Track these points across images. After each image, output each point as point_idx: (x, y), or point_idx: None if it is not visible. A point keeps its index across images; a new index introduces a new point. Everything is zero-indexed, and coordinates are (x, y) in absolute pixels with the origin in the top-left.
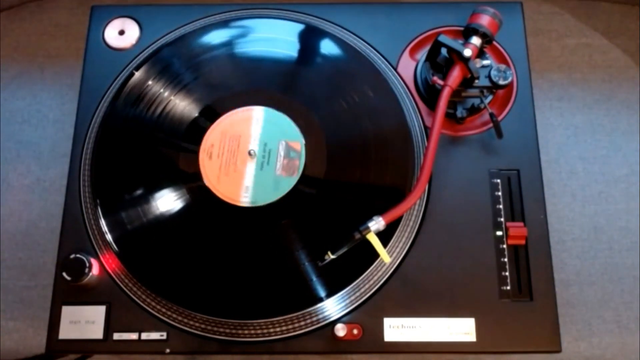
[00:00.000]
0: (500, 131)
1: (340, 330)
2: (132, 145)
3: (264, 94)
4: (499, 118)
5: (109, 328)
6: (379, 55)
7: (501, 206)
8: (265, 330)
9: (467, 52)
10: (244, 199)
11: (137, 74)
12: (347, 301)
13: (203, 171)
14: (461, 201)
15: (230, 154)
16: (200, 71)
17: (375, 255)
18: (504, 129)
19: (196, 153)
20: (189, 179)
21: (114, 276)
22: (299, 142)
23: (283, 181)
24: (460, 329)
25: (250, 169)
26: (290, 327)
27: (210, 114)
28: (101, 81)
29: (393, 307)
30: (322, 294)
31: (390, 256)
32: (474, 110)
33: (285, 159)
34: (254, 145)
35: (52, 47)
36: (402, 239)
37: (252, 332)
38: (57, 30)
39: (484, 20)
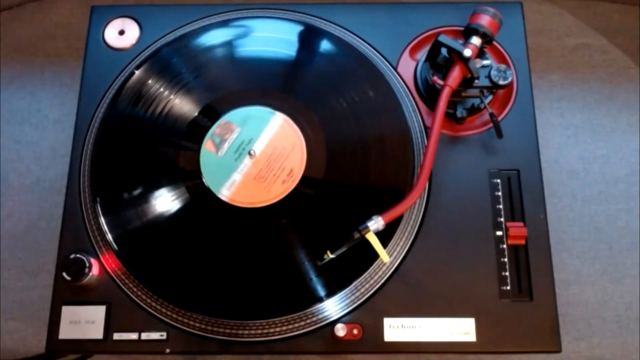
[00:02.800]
0: (500, 131)
1: (340, 330)
2: (132, 145)
3: (264, 94)
4: (499, 118)
5: (109, 328)
6: (379, 55)
7: (501, 206)
8: (265, 330)
9: (467, 52)
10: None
11: (137, 74)
12: (347, 301)
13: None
14: (461, 201)
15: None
16: (200, 71)
17: (375, 255)
18: (504, 129)
19: (196, 152)
20: (188, 178)
21: (114, 276)
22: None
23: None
24: (460, 329)
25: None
26: (290, 327)
27: (210, 113)
28: (101, 81)
29: (393, 307)
30: (322, 294)
31: (390, 256)
32: (474, 110)
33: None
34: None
35: (52, 47)
36: (402, 239)
37: (252, 332)
38: (57, 30)
39: (484, 20)
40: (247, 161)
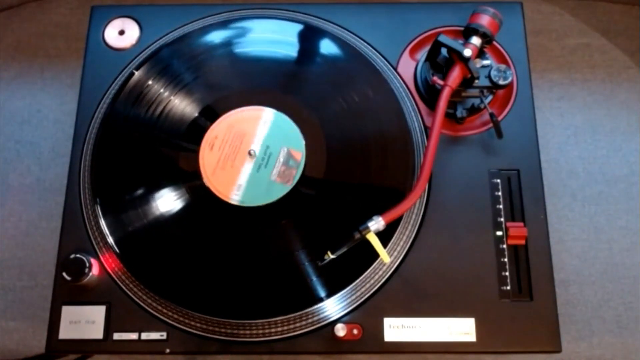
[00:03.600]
0: (500, 131)
1: (340, 330)
2: (132, 145)
3: (264, 94)
4: (499, 118)
5: (109, 328)
6: (379, 55)
7: (501, 206)
8: (265, 330)
9: (467, 52)
10: (235, 197)
11: (137, 74)
12: (347, 301)
13: (201, 161)
14: (461, 201)
15: (232, 150)
16: (200, 71)
17: (375, 255)
18: (504, 129)
19: (196, 153)
20: (188, 178)
21: (114, 276)
22: (301, 153)
23: (276, 187)
24: (460, 329)
25: (247, 168)
26: (290, 327)
27: (210, 114)
28: (101, 81)
29: (393, 307)
30: (322, 294)
31: (390, 256)
32: (474, 110)
33: (283, 166)
34: (256, 146)
35: (52, 47)
36: (402, 239)
37: (252, 332)
38: (57, 30)
39: (484, 20)
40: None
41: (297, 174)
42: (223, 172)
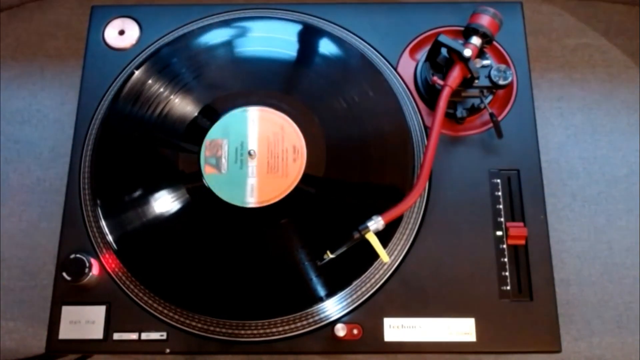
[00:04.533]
0: (500, 131)
1: (340, 330)
2: (132, 145)
3: (264, 94)
4: (499, 118)
5: (109, 328)
6: (379, 55)
7: (501, 206)
8: (265, 330)
9: (467, 52)
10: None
11: (137, 74)
12: (347, 301)
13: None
14: (461, 201)
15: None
16: (200, 71)
17: (375, 255)
18: (504, 129)
19: (196, 153)
20: (188, 179)
21: (114, 276)
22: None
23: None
24: (460, 329)
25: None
26: (290, 327)
27: (210, 113)
28: (101, 81)
29: (393, 307)
30: (322, 294)
31: (390, 256)
32: (474, 110)
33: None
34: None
35: (52, 47)
36: (402, 239)
37: (252, 332)
38: (57, 30)
39: (484, 20)
40: (251, 163)
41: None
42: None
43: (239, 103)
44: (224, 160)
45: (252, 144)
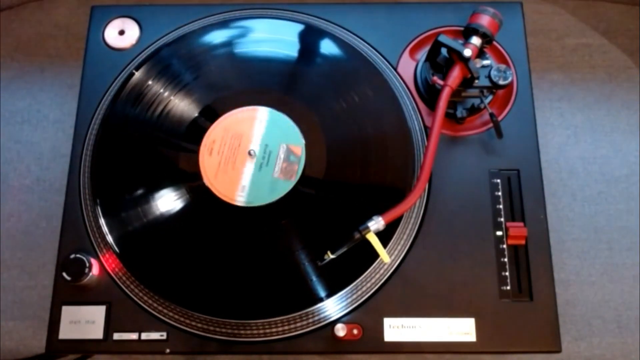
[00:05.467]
0: (500, 131)
1: (340, 330)
2: (132, 145)
3: (264, 94)
4: (499, 118)
5: (109, 328)
6: (379, 55)
7: (501, 206)
8: (265, 330)
9: (467, 52)
10: (240, 198)
11: (137, 74)
12: (347, 301)
13: (202, 166)
14: (461, 201)
15: (231, 152)
16: (200, 71)
17: (375, 255)
18: (504, 129)
19: (196, 153)
20: (188, 179)
21: (114, 276)
22: (300, 147)
23: (280, 184)
24: (460, 329)
25: (249, 168)
26: (290, 327)
27: (210, 114)
28: (101, 81)
29: (393, 307)
30: (322, 294)
31: (390, 256)
32: (474, 110)
33: (284, 162)
34: (255, 146)
35: (52, 47)
36: (402, 239)
37: (252, 332)
38: (57, 30)
39: (484, 20)
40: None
41: (299, 169)
42: (225, 174)
43: (239, 103)
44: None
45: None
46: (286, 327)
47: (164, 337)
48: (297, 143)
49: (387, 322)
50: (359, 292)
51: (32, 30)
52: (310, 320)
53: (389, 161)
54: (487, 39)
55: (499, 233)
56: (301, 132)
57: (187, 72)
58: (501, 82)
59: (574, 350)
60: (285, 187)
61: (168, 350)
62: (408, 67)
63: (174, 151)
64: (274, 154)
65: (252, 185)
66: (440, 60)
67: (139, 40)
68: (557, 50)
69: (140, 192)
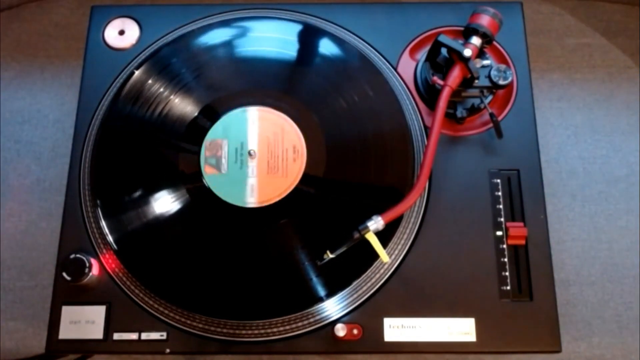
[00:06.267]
0: (500, 131)
1: (340, 330)
2: (132, 146)
3: (264, 94)
4: (499, 118)
5: (109, 328)
6: (379, 55)
7: (501, 206)
8: (265, 330)
9: (467, 52)
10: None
11: (137, 74)
12: (347, 301)
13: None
14: (461, 201)
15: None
16: (200, 71)
17: (375, 255)
18: (504, 129)
19: (196, 153)
20: (188, 179)
21: (114, 276)
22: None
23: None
24: (460, 329)
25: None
26: (290, 327)
27: (210, 113)
28: (101, 81)
29: (393, 307)
30: (322, 294)
31: (390, 256)
32: (474, 110)
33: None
34: (253, 145)
35: (52, 47)
36: (402, 239)
37: (252, 332)
38: (57, 30)
39: (484, 20)
40: (251, 163)
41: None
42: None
43: (239, 103)
44: (224, 161)
45: (252, 144)
46: (286, 327)
47: (164, 337)
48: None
49: (387, 322)
50: (359, 292)
51: (32, 30)
52: (310, 320)
53: (389, 161)
54: (487, 39)
55: (499, 233)
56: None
57: (187, 72)
58: (501, 82)
59: (574, 350)
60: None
61: (168, 350)
62: (408, 67)
63: (174, 151)
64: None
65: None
66: (440, 60)
67: (139, 40)
68: (557, 50)
69: (140, 192)
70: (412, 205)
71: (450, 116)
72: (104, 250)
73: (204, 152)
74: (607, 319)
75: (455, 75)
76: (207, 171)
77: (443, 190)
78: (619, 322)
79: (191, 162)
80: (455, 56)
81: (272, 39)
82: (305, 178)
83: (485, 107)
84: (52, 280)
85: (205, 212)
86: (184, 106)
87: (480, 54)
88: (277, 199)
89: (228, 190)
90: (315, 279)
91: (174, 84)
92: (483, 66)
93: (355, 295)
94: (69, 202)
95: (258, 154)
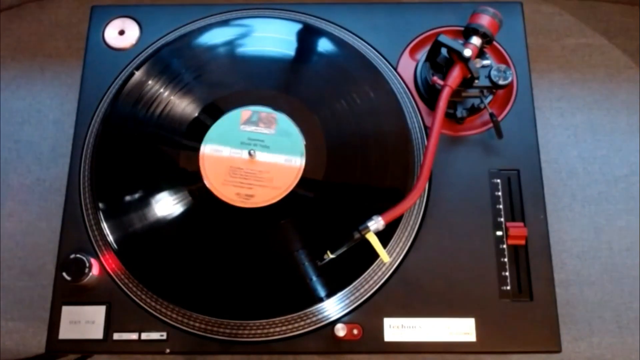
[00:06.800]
0: (500, 131)
1: (340, 330)
2: (132, 146)
3: (264, 94)
4: (499, 118)
5: (109, 328)
6: (379, 55)
7: (501, 206)
8: (265, 331)
9: (467, 52)
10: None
11: (137, 74)
12: (347, 301)
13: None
14: (461, 201)
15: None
16: (200, 71)
17: (375, 255)
18: (504, 129)
19: (196, 152)
20: (189, 179)
21: (114, 276)
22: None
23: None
24: (460, 329)
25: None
26: (290, 327)
27: (210, 113)
28: (101, 81)
29: (393, 307)
30: (322, 294)
31: (390, 256)
32: (474, 110)
33: (261, 123)
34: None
35: (52, 47)
36: (402, 239)
37: (252, 332)
38: (57, 30)
39: (484, 20)
40: (243, 153)
41: (277, 117)
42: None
43: (239, 103)
44: (251, 127)
45: (262, 156)
46: (286, 327)
47: (164, 337)
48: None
49: (387, 322)
50: (359, 292)
51: (32, 30)
52: (310, 320)
53: (389, 161)
54: (487, 39)
55: (499, 233)
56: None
57: (187, 72)
58: (501, 82)
59: (574, 350)
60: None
61: (168, 350)
62: (408, 67)
63: (174, 151)
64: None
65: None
66: (440, 60)
67: (139, 40)
68: (557, 50)
69: (140, 192)
70: (412, 205)
71: (450, 116)
72: (104, 250)
73: (261, 112)
74: (607, 319)
75: (455, 75)
76: (242, 114)
77: (443, 190)
78: (619, 322)
79: (191, 162)
80: (455, 56)
81: (272, 39)
82: (305, 178)
83: (485, 107)
84: (52, 280)
85: (205, 212)
86: (184, 106)
87: (480, 54)
88: (277, 199)
89: (219, 132)
90: (315, 279)
91: (174, 84)
92: (483, 66)
93: (355, 295)
94: (69, 202)
95: (258, 154)
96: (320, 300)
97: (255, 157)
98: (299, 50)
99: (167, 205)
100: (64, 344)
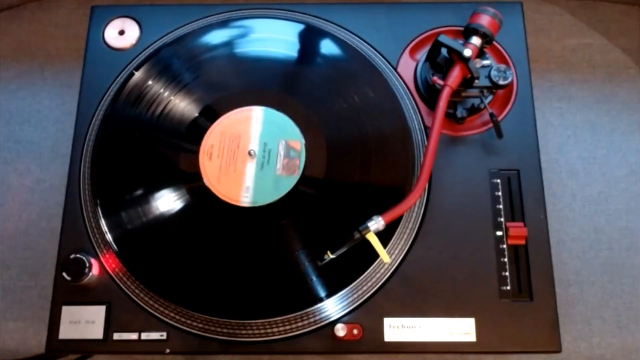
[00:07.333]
0: (500, 131)
1: (340, 330)
2: (132, 146)
3: (264, 94)
4: (499, 118)
5: (109, 328)
6: (379, 55)
7: (501, 206)
8: (265, 330)
9: (467, 52)
10: (245, 199)
11: (137, 74)
12: (347, 301)
13: (203, 172)
14: (461, 201)
15: (230, 155)
16: (200, 71)
17: (375, 255)
18: (504, 129)
19: (196, 153)
20: (189, 179)
21: (114, 276)
22: (298, 142)
23: (283, 180)
24: (460, 329)
25: (251, 169)
26: (290, 327)
27: (210, 113)
28: (101, 81)
29: (393, 307)
30: (322, 294)
31: (390, 256)
32: (474, 110)
33: (285, 158)
34: (254, 145)
35: (52, 47)
36: (402, 239)
37: (252, 332)
38: (57, 30)
39: (484, 20)
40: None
41: (300, 163)
42: (228, 178)
43: (239, 103)
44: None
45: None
46: (286, 327)
47: (164, 337)
48: (295, 138)
49: (387, 322)
50: (359, 292)
51: (32, 30)
52: (311, 320)
53: (389, 161)
54: (487, 39)
55: (499, 233)
56: (301, 132)
57: (187, 72)
58: (501, 82)
59: (574, 350)
60: (289, 183)
61: (168, 350)
62: (408, 67)
63: (174, 151)
64: (273, 151)
65: (256, 185)
66: (440, 60)
67: (139, 40)
68: (557, 50)
69: (140, 192)
70: (413, 205)
71: (450, 116)
72: (104, 250)
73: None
74: (607, 319)
75: (455, 75)
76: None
77: (443, 190)
78: (619, 322)
79: (191, 162)
80: (455, 56)
81: (272, 39)
82: (306, 178)
83: (485, 107)
84: (52, 280)
85: (205, 212)
86: (184, 106)
87: (480, 54)
88: (277, 199)
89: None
90: (315, 279)
91: (174, 84)
92: (483, 66)
93: (355, 295)
94: (69, 202)
95: (258, 154)
96: (321, 300)
97: (256, 153)
98: (299, 50)
99: (167, 205)
100: (64, 344)
